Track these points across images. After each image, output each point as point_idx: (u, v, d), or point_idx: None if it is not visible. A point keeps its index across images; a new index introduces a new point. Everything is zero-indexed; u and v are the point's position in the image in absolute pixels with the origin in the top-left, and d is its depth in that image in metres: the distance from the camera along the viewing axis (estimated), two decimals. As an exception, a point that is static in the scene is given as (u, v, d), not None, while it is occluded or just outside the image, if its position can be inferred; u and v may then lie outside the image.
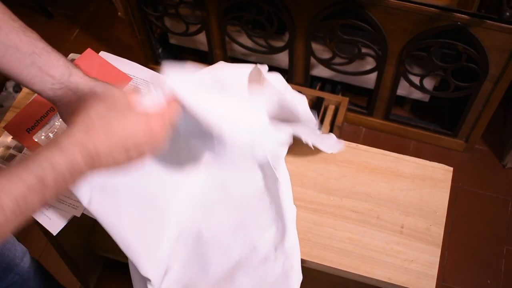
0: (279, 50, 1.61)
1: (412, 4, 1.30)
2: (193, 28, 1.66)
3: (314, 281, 0.97)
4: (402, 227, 0.81)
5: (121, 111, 0.59)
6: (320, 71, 1.68)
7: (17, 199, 0.50)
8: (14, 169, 0.52)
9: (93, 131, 0.56)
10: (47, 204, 0.53)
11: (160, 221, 0.79)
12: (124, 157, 0.59)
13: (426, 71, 1.49)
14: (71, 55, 0.99)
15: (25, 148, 0.87)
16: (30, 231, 1.42)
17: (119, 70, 0.91)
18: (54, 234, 0.80)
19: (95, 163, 0.57)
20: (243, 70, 0.80)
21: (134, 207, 0.78)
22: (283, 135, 0.81)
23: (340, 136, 1.52)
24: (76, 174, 0.55)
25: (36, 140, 0.87)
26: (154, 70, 0.93)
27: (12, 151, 0.88)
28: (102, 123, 0.57)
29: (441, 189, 0.85)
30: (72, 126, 0.56)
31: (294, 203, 0.81)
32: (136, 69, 0.93)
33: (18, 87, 1.78)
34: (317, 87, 1.73)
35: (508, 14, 1.18)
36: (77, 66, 0.68)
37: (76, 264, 1.28)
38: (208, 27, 1.62)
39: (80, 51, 0.99)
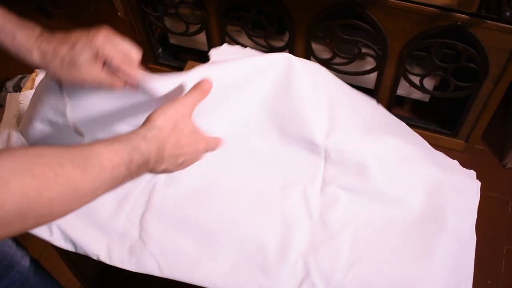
0: (279, 50, 1.61)
1: (412, 4, 1.30)
2: (193, 28, 1.66)
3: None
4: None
5: (192, 128, 0.65)
6: (320, 71, 1.68)
7: (113, 168, 0.54)
8: (112, 144, 0.56)
9: (167, 135, 0.61)
10: (122, 184, 0.57)
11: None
12: (174, 166, 0.65)
13: (426, 71, 1.49)
14: None
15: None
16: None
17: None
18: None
19: (156, 165, 0.61)
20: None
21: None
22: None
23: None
24: (146, 167, 0.60)
25: None
26: (154, 71, 0.93)
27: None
28: (175, 133, 0.62)
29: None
30: (150, 124, 0.61)
31: None
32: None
33: (18, 87, 1.78)
34: (317, 87, 1.73)
35: (508, 14, 1.18)
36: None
37: (76, 264, 1.27)
38: (208, 27, 1.62)
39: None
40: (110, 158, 0.54)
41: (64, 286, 1.24)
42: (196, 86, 0.67)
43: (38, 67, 0.69)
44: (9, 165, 0.46)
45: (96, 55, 0.67)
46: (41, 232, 0.79)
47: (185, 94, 0.66)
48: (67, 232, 0.79)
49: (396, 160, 0.83)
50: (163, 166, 0.62)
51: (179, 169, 0.66)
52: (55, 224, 0.79)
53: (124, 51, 0.69)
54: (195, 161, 0.67)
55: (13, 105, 0.96)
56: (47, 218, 0.50)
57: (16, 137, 0.86)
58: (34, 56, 0.68)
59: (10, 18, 0.71)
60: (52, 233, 0.79)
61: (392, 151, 0.83)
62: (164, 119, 0.61)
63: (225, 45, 0.90)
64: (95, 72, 0.68)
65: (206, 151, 0.68)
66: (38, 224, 0.49)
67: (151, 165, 0.60)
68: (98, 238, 0.78)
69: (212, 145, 0.68)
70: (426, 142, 0.88)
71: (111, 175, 0.54)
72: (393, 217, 0.77)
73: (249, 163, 0.81)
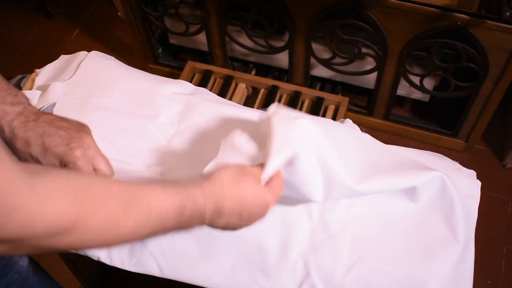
0: (279, 50, 1.61)
1: (412, 4, 1.30)
2: (193, 28, 1.66)
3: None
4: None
5: (249, 181, 0.61)
6: (320, 71, 1.68)
7: (162, 212, 0.51)
8: (166, 186, 0.53)
9: (225, 190, 0.58)
10: (170, 233, 0.55)
11: None
12: (235, 223, 0.61)
13: (426, 71, 1.49)
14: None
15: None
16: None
17: None
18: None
19: (215, 219, 0.58)
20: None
21: None
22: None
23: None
24: (200, 220, 0.57)
25: None
26: (154, 71, 0.93)
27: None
28: (232, 187, 0.59)
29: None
30: (211, 179, 0.58)
31: None
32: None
33: (18, 87, 1.78)
34: (317, 87, 1.73)
35: (508, 14, 1.18)
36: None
37: (76, 264, 1.27)
38: (208, 27, 1.62)
39: (80, 51, 0.99)
40: (160, 199, 0.51)
41: (63, 287, 1.24)
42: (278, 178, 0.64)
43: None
44: (52, 185, 0.44)
45: (63, 167, 0.61)
46: None
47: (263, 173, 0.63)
48: None
49: (395, 163, 0.83)
50: (221, 222, 0.59)
51: (247, 224, 0.63)
52: None
53: (97, 168, 0.64)
54: (263, 217, 0.64)
55: None
56: (76, 246, 0.48)
57: None
58: (6, 134, 0.62)
59: None
60: None
61: (391, 155, 0.83)
62: (217, 177, 0.59)
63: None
64: None
65: (273, 202, 0.64)
66: (66, 249, 0.47)
67: (209, 219, 0.57)
68: None
69: (278, 190, 0.65)
70: (423, 151, 0.88)
71: (157, 220, 0.51)
72: (393, 218, 0.77)
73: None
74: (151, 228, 0.51)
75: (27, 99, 0.65)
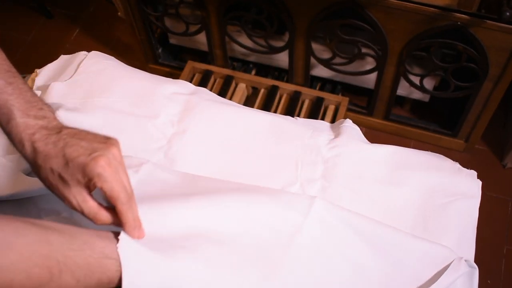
0: (279, 50, 1.61)
1: (412, 4, 1.30)
2: (193, 28, 1.66)
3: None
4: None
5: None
6: (320, 71, 1.68)
7: None
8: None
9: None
10: None
11: None
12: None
13: (426, 71, 1.49)
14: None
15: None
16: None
17: None
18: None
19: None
20: None
21: None
22: None
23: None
24: None
25: None
26: (154, 71, 0.93)
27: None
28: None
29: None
30: None
31: None
32: None
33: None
34: (317, 87, 1.73)
35: (508, 14, 1.18)
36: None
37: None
38: (208, 27, 1.62)
39: (80, 51, 0.99)
40: None
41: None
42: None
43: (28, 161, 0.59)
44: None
45: (89, 182, 0.56)
46: None
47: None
48: None
49: (393, 164, 0.83)
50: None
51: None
52: None
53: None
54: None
55: None
56: None
57: None
58: (27, 149, 0.58)
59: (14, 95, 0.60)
60: None
61: (389, 157, 0.83)
62: None
63: None
64: (81, 197, 0.57)
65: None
66: None
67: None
68: None
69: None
70: (423, 151, 0.88)
71: None
72: (393, 222, 0.76)
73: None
74: None
75: (53, 113, 0.61)
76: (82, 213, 0.58)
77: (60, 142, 0.56)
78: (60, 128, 0.59)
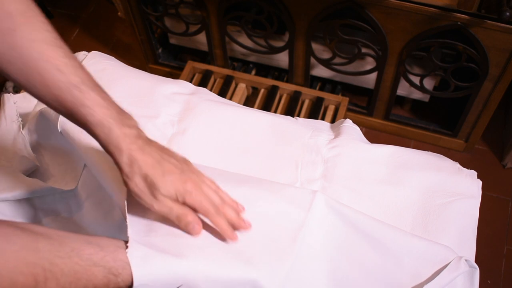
0: (279, 50, 1.61)
1: (412, 4, 1.30)
2: (193, 28, 1.66)
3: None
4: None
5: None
6: (320, 71, 1.68)
7: None
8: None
9: None
10: None
11: None
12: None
13: (426, 71, 1.49)
14: None
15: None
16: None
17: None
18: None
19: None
20: None
21: None
22: None
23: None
24: None
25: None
26: (154, 71, 0.93)
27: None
28: None
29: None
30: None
31: None
32: None
33: (18, 88, 1.78)
34: (317, 87, 1.73)
35: (508, 14, 1.18)
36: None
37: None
38: (208, 27, 1.62)
39: (80, 51, 0.99)
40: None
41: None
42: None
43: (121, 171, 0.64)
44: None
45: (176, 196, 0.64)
46: None
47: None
48: None
49: (393, 164, 0.83)
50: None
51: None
52: None
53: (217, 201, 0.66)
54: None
55: (8, 108, 0.94)
56: None
57: (22, 143, 0.86)
58: (124, 157, 0.62)
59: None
60: None
61: (389, 157, 0.83)
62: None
63: None
64: (169, 203, 0.64)
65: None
66: None
67: None
68: None
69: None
70: (423, 151, 0.88)
71: None
72: (393, 222, 0.76)
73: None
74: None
75: (136, 121, 0.65)
76: (170, 212, 0.63)
77: (155, 154, 0.63)
78: (149, 139, 0.65)
